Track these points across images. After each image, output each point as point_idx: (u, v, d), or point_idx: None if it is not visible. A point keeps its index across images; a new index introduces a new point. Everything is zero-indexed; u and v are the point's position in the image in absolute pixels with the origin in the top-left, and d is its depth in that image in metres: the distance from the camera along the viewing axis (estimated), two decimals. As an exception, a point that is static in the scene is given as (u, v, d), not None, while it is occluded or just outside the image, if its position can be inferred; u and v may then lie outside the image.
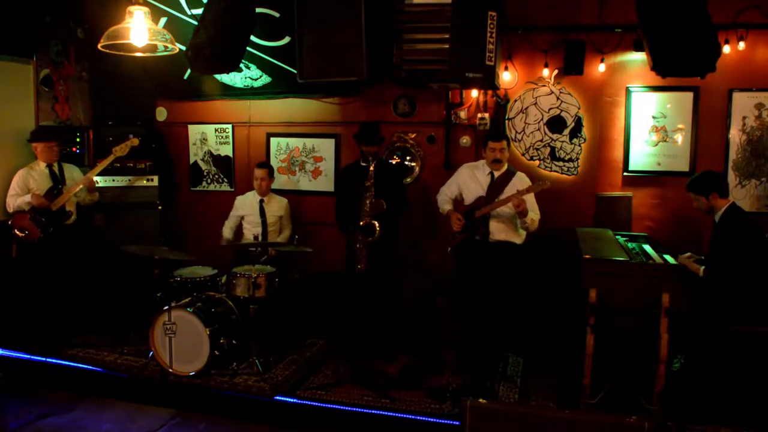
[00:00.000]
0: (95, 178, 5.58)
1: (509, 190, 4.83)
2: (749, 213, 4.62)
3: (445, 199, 5.10)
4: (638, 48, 5.14)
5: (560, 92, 5.54)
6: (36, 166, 5.46)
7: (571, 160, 5.58)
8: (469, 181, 5.00)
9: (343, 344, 5.22)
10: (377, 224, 4.86)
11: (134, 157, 5.97)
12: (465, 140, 5.74)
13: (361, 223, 4.89)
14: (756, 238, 4.27)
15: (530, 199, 4.78)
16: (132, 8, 4.27)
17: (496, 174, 4.90)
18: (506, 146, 4.88)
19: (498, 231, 4.84)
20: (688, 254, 4.54)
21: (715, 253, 4.30)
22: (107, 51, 4.52)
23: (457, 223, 4.85)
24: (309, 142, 6.21)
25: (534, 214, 4.74)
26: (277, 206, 5.71)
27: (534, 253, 5.13)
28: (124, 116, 6.35)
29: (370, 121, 5.58)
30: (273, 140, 6.31)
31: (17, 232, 5.25)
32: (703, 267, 4.28)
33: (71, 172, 5.61)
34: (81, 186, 5.42)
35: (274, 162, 6.23)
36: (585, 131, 5.53)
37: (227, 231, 5.75)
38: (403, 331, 5.35)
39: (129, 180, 6.02)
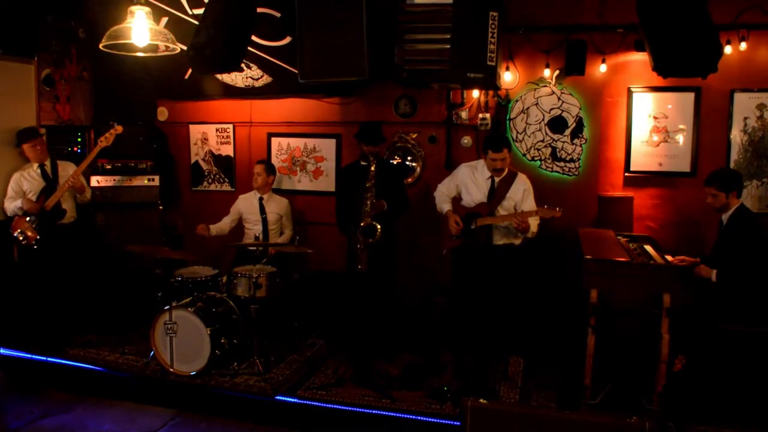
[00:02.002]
0: (85, 180, 5.61)
1: (512, 194, 4.79)
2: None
3: (443, 198, 5.06)
4: (639, 48, 5.14)
5: (561, 92, 5.54)
6: (29, 167, 5.48)
7: (572, 160, 5.58)
8: (469, 183, 4.94)
9: (343, 344, 5.22)
10: (378, 225, 4.85)
11: (135, 157, 5.98)
12: (466, 140, 5.74)
13: (362, 223, 4.89)
14: (764, 239, 4.25)
15: (529, 203, 4.76)
16: (133, 8, 4.28)
17: (497, 179, 4.84)
18: (508, 154, 4.76)
19: (500, 237, 4.81)
20: (682, 258, 4.48)
21: (723, 254, 4.27)
22: (108, 51, 4.53)
23: (455, 226, 4.81)
24: (310, 142, 6.21)
25: (534, 222, 4.68)
26: (277, 206, 5.72)
27: (535, 253, 5.13)
28: (126, 116, 6.32)
29: (372, 120, 5.58)
30: (274, 140, 6.31)
31: (17, 235, 5.25)
32: (715, 271, 4.18)
33: (66, 169, 5.59)
34: (75, 178, 5.39)
35: (276, 162, 6.23)
36: (586, 131, 5.53)
37: (220, 224, 5.70)
38: (404, 331, 5.35)
39: (130, 180, 6.02)
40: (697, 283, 4.22)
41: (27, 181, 5.42)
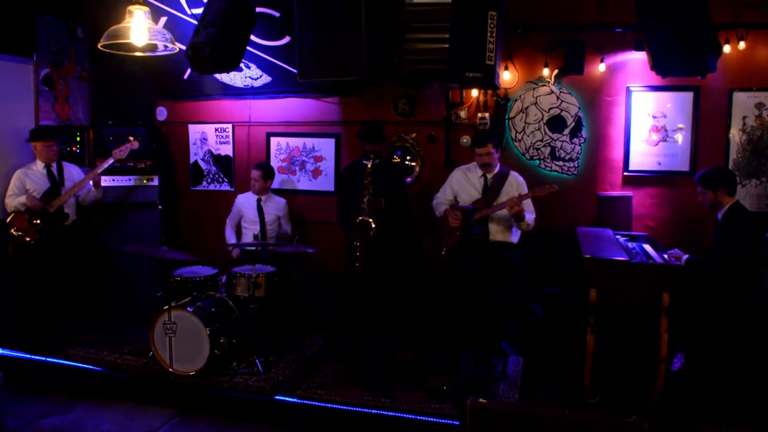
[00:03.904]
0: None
1: (506, 189, 4.88)
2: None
3: (441, 202, 5.13)
4: (638, 47, 5.14)
5: (560, 92, 5.54)
6: (34, 165, 5.44)
7: (571, 159, 5.58)
8: (464, 184, 5.03)
9: (343, 344, 5.23)
10: (372, 222, 4.86)
11: (134, 157, 5.97)
12: (465, 140, 5.74)
13: (357, 221, 4.90)
14: (757, 237, 4.26)
15: (526, 200, 4.80)
16: (132, 8, 4.28)
17: (489, 176, 4.94)
18: (493, 149, 4.85)
19: (497, 231, 4.87)
20: (674, 252, 4.51)
21: (716, 249, 4.28)
22: (107, 50, 4.52)
23: (455, 219, 4.85)
24: (309, 141, 6.20)
25: (530, 215, 4.78)
26: (274, 206, 5.72)
27: (534, 251, 5.13)
28: (125, 116, 6.34)
29: (373, 120, 5.58)
30: (273, 140, 6.31)
31: (13, 232, 5.24)
32: (685, 256, 4.26)
33: (71, 172, 5.58)
34: (82, 185, 5.37)
35: (275, 162, 6.24)
36: (585, 131, 5.53)
37: (230, 232, 5.76)
38: (404, 331, 5.35)
39: (129, 180, 6.01)
40: (696, 283, 4.22)
41: (31, 180, 5.36)
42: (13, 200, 5.30)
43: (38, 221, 5.23)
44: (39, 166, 5.43)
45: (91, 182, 5.45)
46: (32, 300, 5.30)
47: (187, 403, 4.51)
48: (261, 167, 5.70)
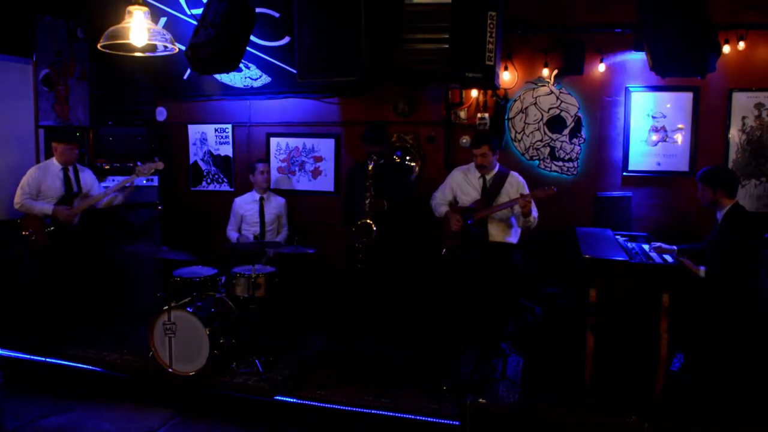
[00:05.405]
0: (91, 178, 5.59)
1: (506, 190, 4.90)
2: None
3: (440, 203, 5.15)
4: (638, 48, 5.14)
5: (560, 92, 5.54)
6: (51, 166, 5.33)
7: (570, 159, 5.58)
8: (463, 184, 5.05)
9: (343, 344, 5.23)
10: (373, 225, 4.87)
11: (134, 157, 5.98)
12: (465, 140, 5.74)
13: (359, 222, 4.91)
14: (755, 239, 4.26)
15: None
16: (132, 8, 4.28)
17: (488, 177, 4.96)
18: (489, 150, 4.87)
19: (496, 232, 4.89)
20: (658, 245, 4.49)
21: (715, 251, 4.28)
22: (107, 51, 4.52)
23: (456, 223, 4.87)
24: (309, 141, 6.21)
25: (535, 212, 4.79)
26: (275, 206, 5.73)
27: (533, 251, 5.14)
28: (124, 116, 6.34)
29: (376, 121, 5.58)
30: (273, 140, 6.31)
31: (24, 233, 5.20)
32: (703, 268, 4.23)
33: (86, 178, 5.48)
34: (99, 199, 5.35)
35: (274, 162, 6.24)
36: (585, 131, 5.54)
37: (233, 234, 5.75)
38: (404, 331, 5.35)
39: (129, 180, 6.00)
40: (696, 283, 4.22)
41: (46, 182, 5.24)
42: (31, 203, 5.16)
43: (53, 228, 5.20)
44: (56, 168, 5.32)
45: (121, 195, 5.41)
46: (33, 300, 5.30)
47: (187, 403, 4.51)
48: (266, 160, 5.76)
